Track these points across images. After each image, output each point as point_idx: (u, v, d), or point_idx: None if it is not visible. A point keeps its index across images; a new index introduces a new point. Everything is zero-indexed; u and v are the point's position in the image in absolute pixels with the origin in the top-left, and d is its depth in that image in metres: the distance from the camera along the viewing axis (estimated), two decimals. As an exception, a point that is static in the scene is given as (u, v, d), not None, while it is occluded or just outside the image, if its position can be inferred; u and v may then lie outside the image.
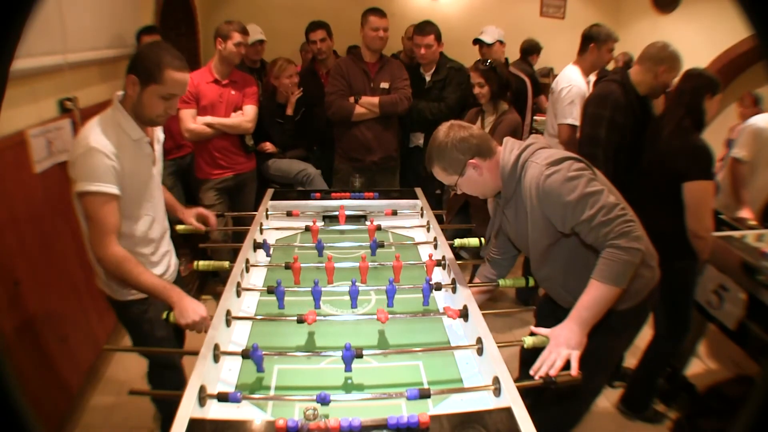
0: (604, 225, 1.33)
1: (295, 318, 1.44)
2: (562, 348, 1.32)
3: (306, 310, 1.48)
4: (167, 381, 1.86)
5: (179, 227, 1.95)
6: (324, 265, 1.74)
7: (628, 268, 1.34)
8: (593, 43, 2.91)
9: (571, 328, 1.35)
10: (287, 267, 1.75)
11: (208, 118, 2.86)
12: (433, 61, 3.19)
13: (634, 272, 1.37)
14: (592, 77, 3.18)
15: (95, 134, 1.50)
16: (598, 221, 1.33)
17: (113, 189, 1.50)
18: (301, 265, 1.74)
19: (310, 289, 1.59)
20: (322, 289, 1.60)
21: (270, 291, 1.62)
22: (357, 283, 1.60)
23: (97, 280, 1.74)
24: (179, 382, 1.85)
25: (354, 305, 1.62)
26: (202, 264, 1.86)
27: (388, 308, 1.62)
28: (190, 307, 1.49)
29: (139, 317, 1.74)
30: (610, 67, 3.50)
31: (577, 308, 1.37)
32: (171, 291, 1.53)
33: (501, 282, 1.75)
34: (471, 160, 1.48)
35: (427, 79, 3.24)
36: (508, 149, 1.52)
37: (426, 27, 3.09)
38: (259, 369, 1.32)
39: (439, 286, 1.65)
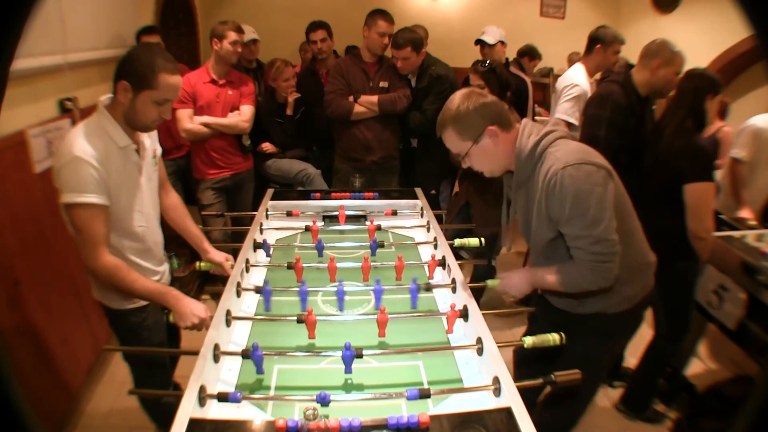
0: (583, 252, 1.38)
1: (295, 318, 1.44)
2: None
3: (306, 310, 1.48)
4: (157, 383, 1.83)
5: (202, 264, 1.87)
6: (326, 265, 1.74)
7: (582, 288, 1.46)
8: (599, 44, 2.92)
9: (526, 278, 1.57)
10: (290, 267, 1.75)
11: (205, 118, 2.86)
12: (414, 71, 3.07)
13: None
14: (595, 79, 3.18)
15: (80, 142, 1.44)
16: (578, 246, 1.39)
17: (100, 199, 1.46)
18: (303, 265, 1.74)
19: (309, 289, 1.59)
20: (323, 289, 1.60)
21: (257, 291, 1.62)
22: (357, 283, 1.60)
23: (93, 291, 1.70)
24: (168, 384, 1.85)
25: (341, 307, 1.62)
26: (204, 264, 1.86)
27: (376, 310, 1.62)
28: (188, 310, 1.49)
29: (139, 325, 1.71)
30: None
31: (540, 273, 1.54)
32: (167, 295, 1.53)
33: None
34: (490, 126, 1.41)
35: (413, 85, 3.14)
36: (526, 134, 1.44)
37: (401, 40, 2.85)
38: (259, 371, 1.32)
39: (428, 287, 1.65)
